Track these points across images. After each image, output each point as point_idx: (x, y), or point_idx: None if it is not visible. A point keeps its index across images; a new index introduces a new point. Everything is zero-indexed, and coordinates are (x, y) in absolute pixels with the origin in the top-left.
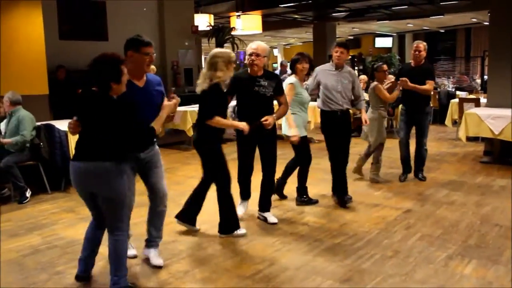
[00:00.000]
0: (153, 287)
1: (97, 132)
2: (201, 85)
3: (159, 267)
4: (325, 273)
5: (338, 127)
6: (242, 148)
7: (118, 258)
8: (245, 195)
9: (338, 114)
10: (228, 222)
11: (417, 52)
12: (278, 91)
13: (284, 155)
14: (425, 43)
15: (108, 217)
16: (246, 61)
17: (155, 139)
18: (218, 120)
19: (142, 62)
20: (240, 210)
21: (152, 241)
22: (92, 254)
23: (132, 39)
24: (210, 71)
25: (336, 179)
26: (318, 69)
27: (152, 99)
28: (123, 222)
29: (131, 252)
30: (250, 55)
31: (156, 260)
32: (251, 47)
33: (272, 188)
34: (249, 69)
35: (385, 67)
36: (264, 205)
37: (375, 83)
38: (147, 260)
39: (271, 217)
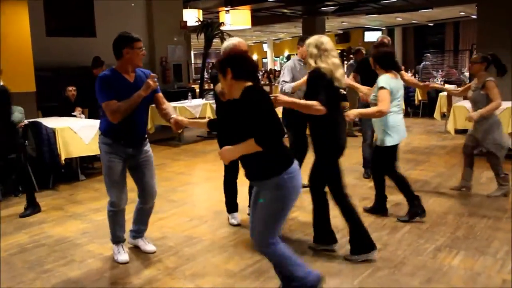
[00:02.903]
0: (143, 283)
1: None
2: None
3: (152, 253)
4: (314, 266)
5: None
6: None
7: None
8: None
9: None
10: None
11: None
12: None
13: None
14: (389, 38)
15: None
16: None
17: (146, 136)
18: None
19: (137, 58)
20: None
21: (140, 232)
22: None
23: (124, 36)
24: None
25: None
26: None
27: (146, 98)
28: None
29: (123, 257)
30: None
31: (149, 247)
32: (233, 43)
33: None
34: None
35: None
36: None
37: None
38: (135, 255)
39: None
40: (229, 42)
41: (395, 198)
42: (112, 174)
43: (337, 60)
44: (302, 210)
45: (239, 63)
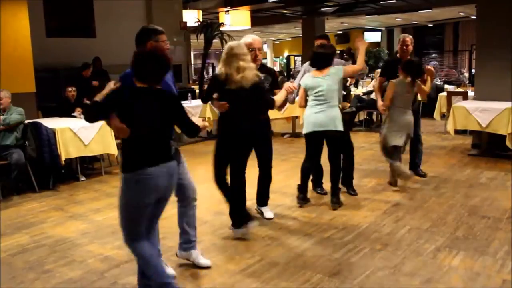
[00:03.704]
0: None
1: (165, 130)
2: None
3: (208, 268)
4: (314, 267)
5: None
6: (237, 145)
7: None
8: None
9: None
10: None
11: (404, 47)
12: (273, 85)
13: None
14: (411, 37)
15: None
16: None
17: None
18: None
19: (163, 51)
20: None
21: (192, 241)
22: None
23: (148, 29)
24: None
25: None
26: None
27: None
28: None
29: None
30: (253, 50)
31: (203, 260)
32: (248, 41)
33: (269, 182)
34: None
35: None
36: (262, 199)
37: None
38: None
39: (268, 212)
40: (242, 40)
41: (394, 198)
42: None
43: (244, 63)
44: (301, 210)
45: (136, 64)
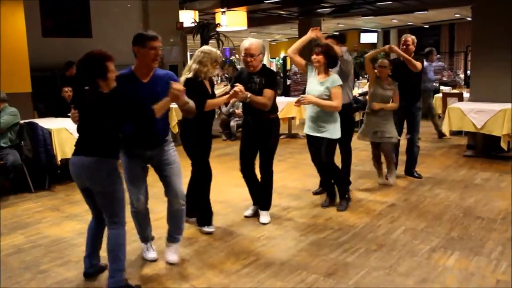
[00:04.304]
0: (137, 284)
1: (89, 127)
2: (185, 74)
3: (171, 264)
4: (309, 267)
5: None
6: (242, 143)
7: (113, 251)
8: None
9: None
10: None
11: (404, 46)
12: (265, 85)
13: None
14: (414, 37)
15: (104, 211)
16: (241, 60)
17: (166, 138)
18: (210, 102)
19: (147, 57)
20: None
21: (170, 235)
22: (94, 251)
23: (138, 34)
24: (196, 65)
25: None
26: None
27: (156, 96)
28: (118, 216)
29: (151, 254)
30: (245, 55)
31: (170, 256)
32: (244, 46)
33: (268, 186)
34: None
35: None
36: (263, 203)
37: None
38: (131, 255)
39: (264, 217)
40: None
41: (390, 199)
42: (131, 175)
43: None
44: (297, 211)
45: (79, 67)
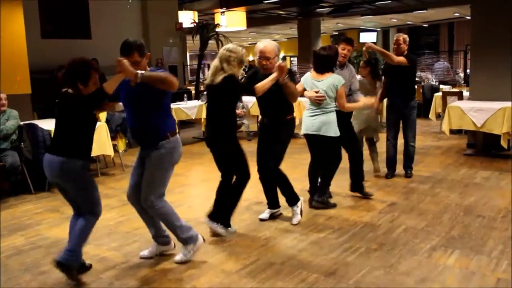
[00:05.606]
0: (139, 284)
1: (62, 127)
2: (217, 76)
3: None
4: (310, 266)
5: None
6: (258, 144)
7: (77, 236)
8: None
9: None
10: (226, 218)
11: (395, 46)
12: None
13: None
14: (405, 36)
15: (79, 205)
16: (256, 61)
17: (160, 141)
18: (259, 86)
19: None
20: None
21: (155, 235)
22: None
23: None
24: (224, 65)
25: (355, 174)
26: None
27: (144, 95)
28: (93, 211)
29: (143, 252)
30: (260, 58)
31: (177, 255)
32: (259, 48)
33: (270, 186)
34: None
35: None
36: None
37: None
38: (132, 256)
39: (264, 213)
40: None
41: (390, 198)
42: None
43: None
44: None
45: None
